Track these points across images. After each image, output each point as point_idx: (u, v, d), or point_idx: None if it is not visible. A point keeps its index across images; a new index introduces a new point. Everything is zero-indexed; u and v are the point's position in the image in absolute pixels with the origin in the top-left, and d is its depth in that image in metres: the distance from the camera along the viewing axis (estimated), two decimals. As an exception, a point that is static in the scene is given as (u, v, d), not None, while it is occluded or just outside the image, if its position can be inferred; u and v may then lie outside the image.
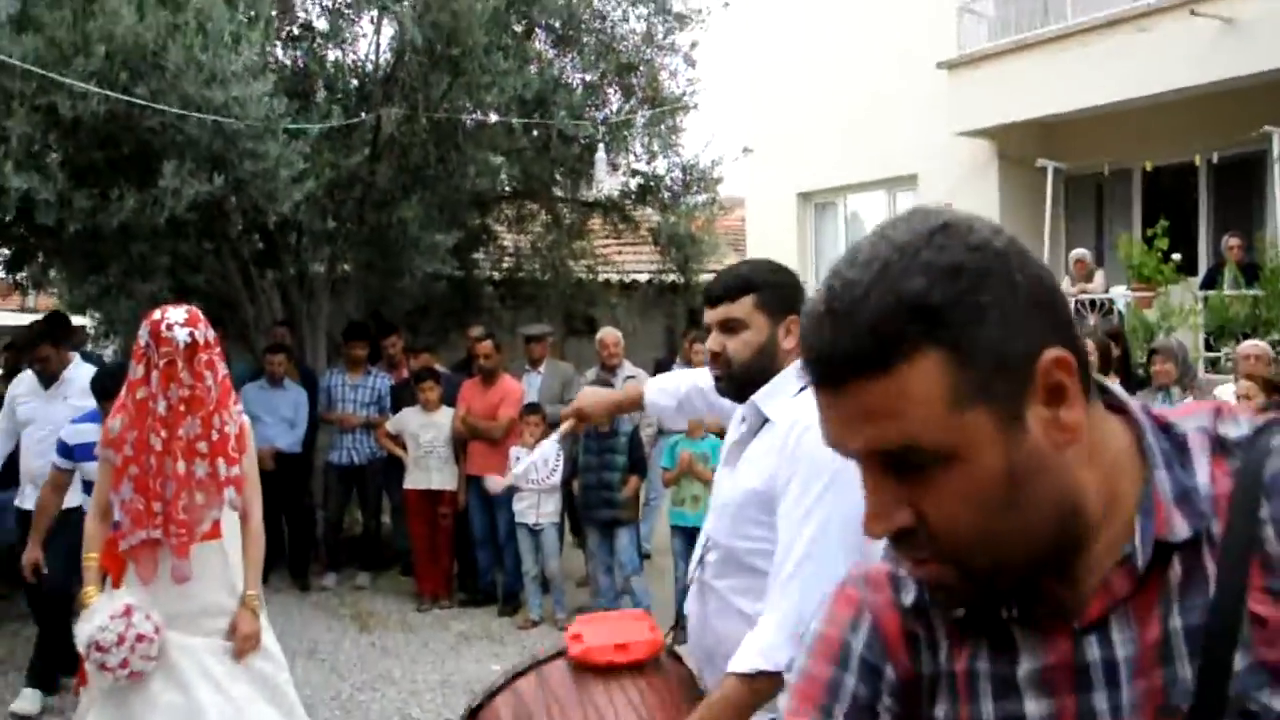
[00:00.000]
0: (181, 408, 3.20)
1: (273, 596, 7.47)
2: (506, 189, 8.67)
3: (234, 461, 3.35)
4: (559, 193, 9.26)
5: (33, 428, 5.39)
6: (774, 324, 2.08)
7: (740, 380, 2.10)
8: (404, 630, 6.77)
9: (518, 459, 6.81)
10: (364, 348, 7.70)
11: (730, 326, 2.10)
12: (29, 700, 5.19)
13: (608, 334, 7.65)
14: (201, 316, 3.32)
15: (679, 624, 2.26)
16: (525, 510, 6.84)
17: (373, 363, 7.90)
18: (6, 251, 7.73)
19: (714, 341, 2.12)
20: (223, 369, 3.39)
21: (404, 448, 7.32)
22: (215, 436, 3.27)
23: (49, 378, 5.34)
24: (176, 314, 3.25)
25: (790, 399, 2.03)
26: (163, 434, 3.18)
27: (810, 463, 1.90)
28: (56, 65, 5.05)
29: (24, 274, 8.09)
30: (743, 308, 2.09)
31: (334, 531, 7.94)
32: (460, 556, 7.44)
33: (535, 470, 6.74)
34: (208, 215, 5.86)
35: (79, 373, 5.36)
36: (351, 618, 7.03)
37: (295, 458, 7.64)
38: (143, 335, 3.22)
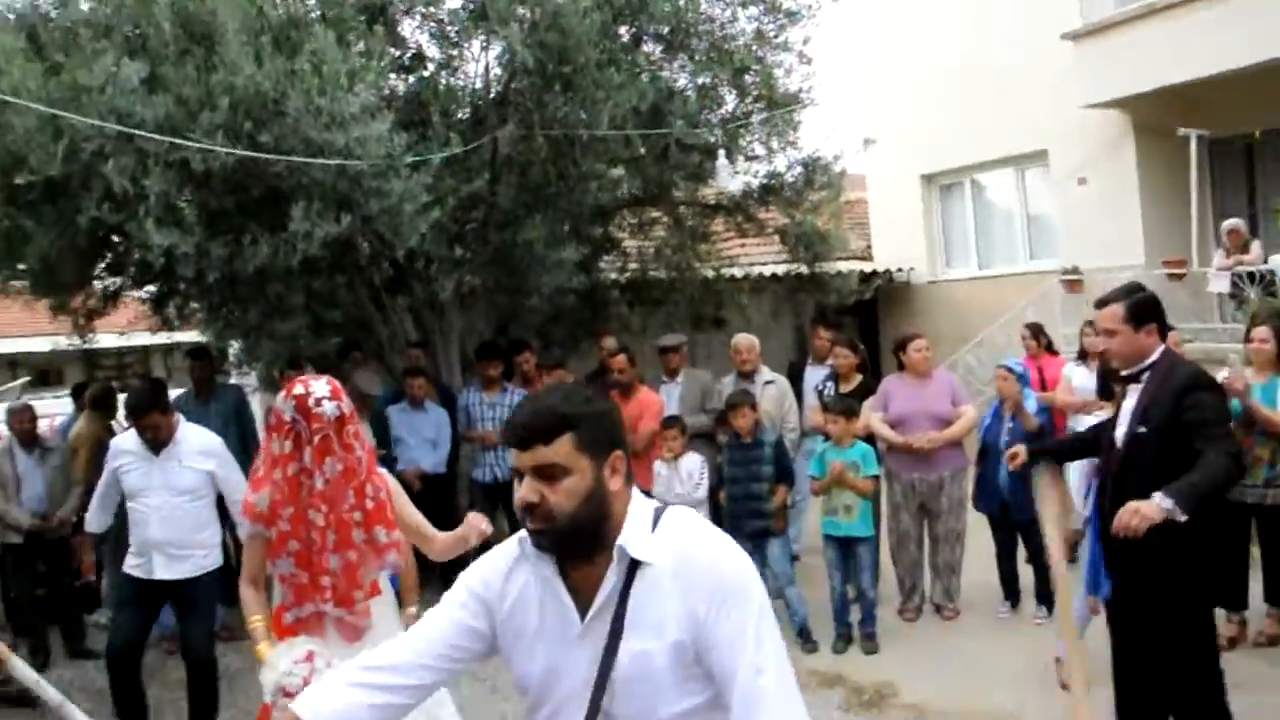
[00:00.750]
0: (337, 479, 3.21)
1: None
2: (627, 197, 8.58)
3: (392, 525, 3.37)
4: (680, 196, 9.13)
5: (146, 495, 5.13)
6: (597, 465, 1.86)
7: (566, 534, 1.84)
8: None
9: (659, 474, 6.76)
10: (497, 366, 7.74)
11: (547, 474, 1.83)
12: None
13: (741, 340, 7.49)
14: (340, 388, 3.31)
15: None
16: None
17: (507, 379, 7.96)
18: (152, 288, 8.06)
19: (529, 491, 1.84)
20: (364, 435, 3.41)
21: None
22: (370, 505, 3.29)
23: (159, 444, 5.12)
24: (320, 387, 3.23)
25: (651, 535, 1.89)
26: (323, 509, 3.19)
27: (738, 590, 1.85)
28: (185, 122, 5.20)
29: (169, 310, 8.44)
30: (560, 451, 1.83)
31: (483, 548, 7.99)
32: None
33: (680, 483, 6.68)
34: (337, 251, 5.96)
35: (187, 433, 5.20)
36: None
37: (440, 477, 7.76)
38: (287, 410, 3.20)
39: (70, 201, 5.52)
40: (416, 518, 3.57)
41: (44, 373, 21.77)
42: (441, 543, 3.57)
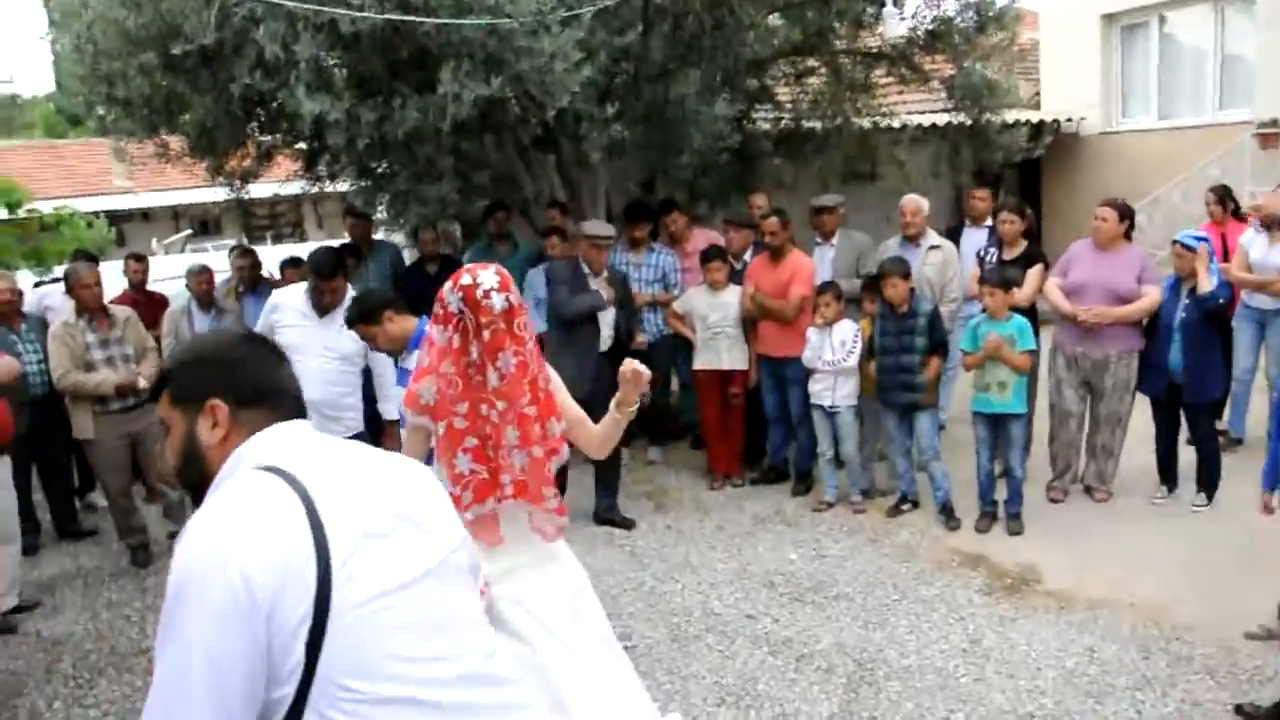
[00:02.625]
0: (512, 375, 3.06)
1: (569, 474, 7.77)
2: (785, 47, 8.13)
3: (560, 417, 3.22)
4: (839, 45, 8.61)
5: (304, 355, 5.19)
6: (189, 417, 1.79)
7: (188, 486, 1.84)
8: (698, 511, 6.83)
9: (810, 341, 6.60)
10: (645, 227, 7.58)
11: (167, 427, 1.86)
12: None
13: (908, 201, 7.11)
14: (509, 277, 3.12)
15: None
16: (821, 392, 6.63)
17: (653, 238, 7.80)
18: (303, 147, 8.13)
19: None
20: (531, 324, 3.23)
21: (692, 328, 7.23)
22: (542, 397, 3.14)
23: (328, 307, 5.30)
24: (488, 278, 3.04)
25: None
26: (499, 406, 3.04)
27: (172, 580, 1.53)
28: (335, -19, 5.07)
29: (320, 168, 8.52)
30: (162, 407, 1.84)
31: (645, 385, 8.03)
32: (751, 435, 7.37)
33: (831, 350, 6.51)
34: (486, 112, 5.81)
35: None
36: (647, 496, 7.17)
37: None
38: (453, 301, 3.03)
39: (224, 68, 5.51)
40: (576, 409, 3.39)
41: (204, 223, 22.67)
42: (601, 435, 3.39)
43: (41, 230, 10.92)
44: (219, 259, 8.83)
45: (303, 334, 5.34)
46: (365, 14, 5.04)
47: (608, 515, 6.61)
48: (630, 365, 3.22)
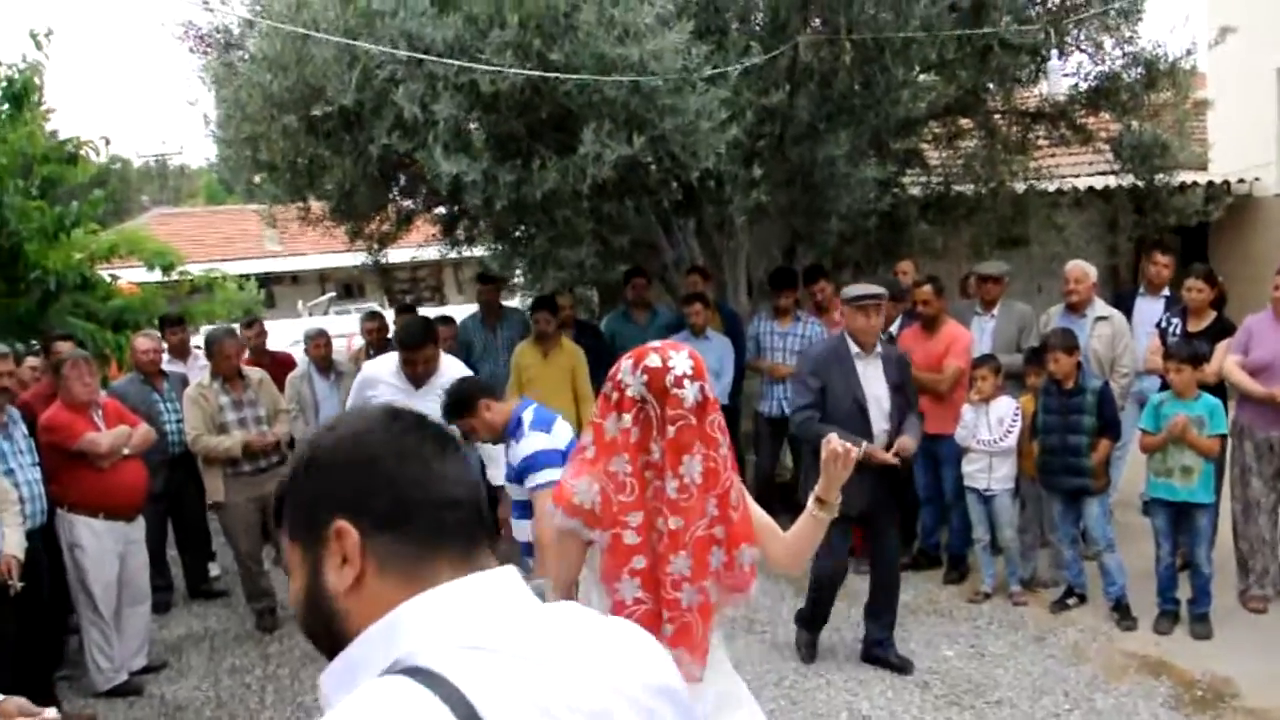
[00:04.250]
0: (697, 486, 2.46)
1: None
2: (937, 107, 7.76)
3: (755, 541, 2.62)
4: (994, 104, 8.18)
5: None
6: (311, 554, 1.17)
7: (320, 649, 1.20)
8: (844, 598, 6.33)
9: (965, 418, 6.13)
10: (791, 295, 7.26)
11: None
12: None
13: (1074, 268, 6.57)
14: (703, 364, 2.56)
15: None
16: (976, 474, 6.14)
17: (799, 305, 7.47)
18: (442, 211, 8.11)
19: None
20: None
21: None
22: (735, 516, 2.54)
23: (422, 378, 5.04)
24: (682, 361, 2.47)
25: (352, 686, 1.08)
26: (671, 523, 2.45)
27: None
28: (475, 41, 4.98)
29: (459, 232, 8.49)
30: (285, 545, 1.24)
31: (765, 482, 7.68)
32: (902, 515, 6.87)
33: (988, 429, 6.03)
34: (626, 174, 5.62)
35: (449, 368, 5.10)
36: (788, 580, 6.73)
37: (722, 408, 7.41)
38: (634, 385, 2.44)
39: (364, 130, 5.47)
40: (764, 517, 2.75)
41: (348, 286, 23.33)
42: (796, 544, 2.70)
43: (193, 292, 11.20)
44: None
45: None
46: (506, 71, 4.90)
47: (879, 653, 5.35)
48: (836, 444, 2.61)
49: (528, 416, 4.13)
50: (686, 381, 2.44)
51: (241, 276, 15.74)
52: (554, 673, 1.08)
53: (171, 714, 5.46)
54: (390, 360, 5.16)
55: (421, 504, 1.14)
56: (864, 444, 4.54)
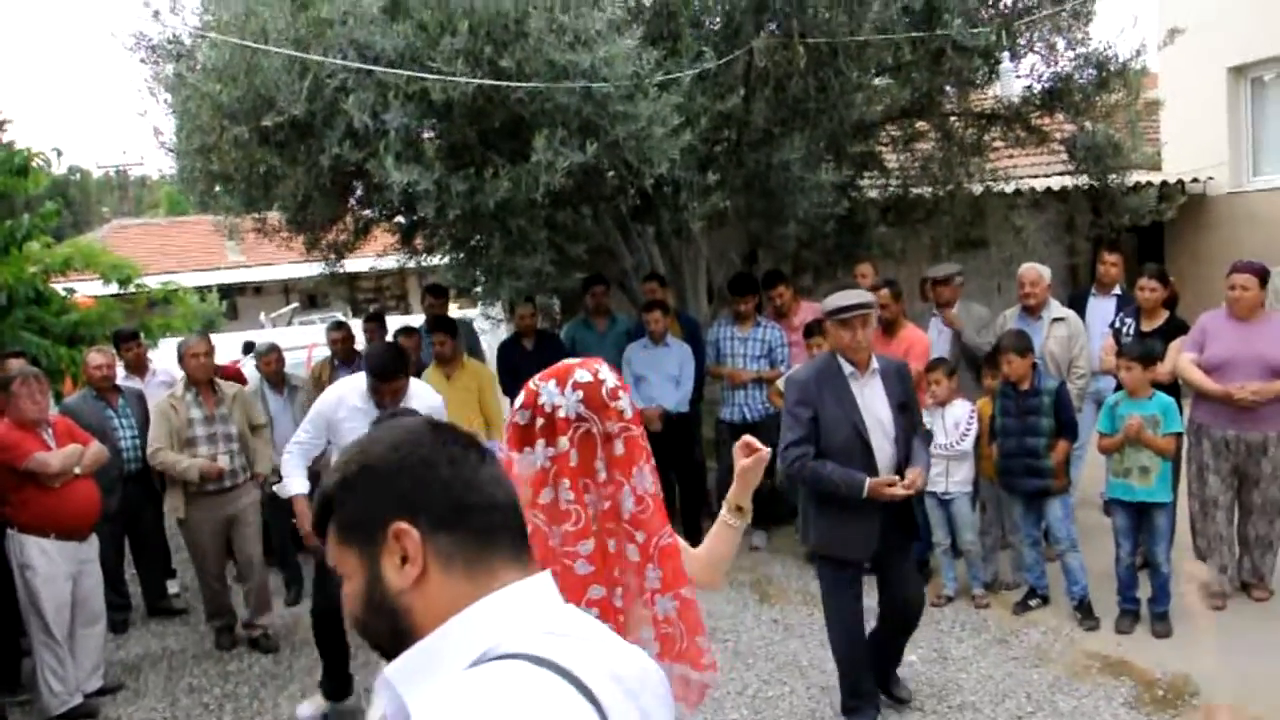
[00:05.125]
0: (650, 495, 2.38)
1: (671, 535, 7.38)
2: (893, 110, 7.79)
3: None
4: (950, 106, 8.22)
5: None
6: (368, 556, 1.24)
7: (380, 650, 1.29)
8: (806, 604, 6.36)
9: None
10: (751, 301, 7.26)
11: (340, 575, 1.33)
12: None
13: (1027, 270, 6.61)
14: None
15: None
16: (934, 477, 6.12)
17: (759, 310, 7.47)
18: (401, 220, 8.05)
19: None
20: None
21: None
22: (651, 506, 2.41)
23: (391, 406, 4.76)
24: (609, 373, 2.38)
25: (444, 679, 1.14)
26: (638, 537, 2.36)
27: None
28: (426, 50, 4.93)
29: (417, 241, 8.43)
30: (331, 547, 1.30)
31: (726, 488, 7.66)
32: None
33: (944, 433, 6.04)
34: (582, 181, 5.59)
35: (416, 391, 4.90)
36: (750, 586, 6.73)
37: (682, 416, 7.42)
38: (567, 404, 2.29)
39: (316, 140, 5.41)
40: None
41: (311, 297, 23.19)
42: (710, 556, 2.60)
43: (151, 305, 11.08)
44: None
45: (362, 431, 4.82)
46: (457, 79, 4.86)
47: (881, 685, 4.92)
48: (748, 444, 2.53)
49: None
50: (620, 392, 2.35)
51: (204, 288, 15.61)
52: (606, 649, 1.23)
53: (127, 736, 5.38)
54: (358, 382, 4.94)
55: (474, 506, 1.25)
56: (866, 480, 4.35)
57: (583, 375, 2.33)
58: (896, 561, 4.69)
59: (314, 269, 9.03)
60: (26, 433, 5.41)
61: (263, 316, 18.84)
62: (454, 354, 6.72)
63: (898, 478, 4.45)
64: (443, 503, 1.23)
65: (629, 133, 5.22)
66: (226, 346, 9.17)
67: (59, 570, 5.43)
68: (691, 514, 7.48)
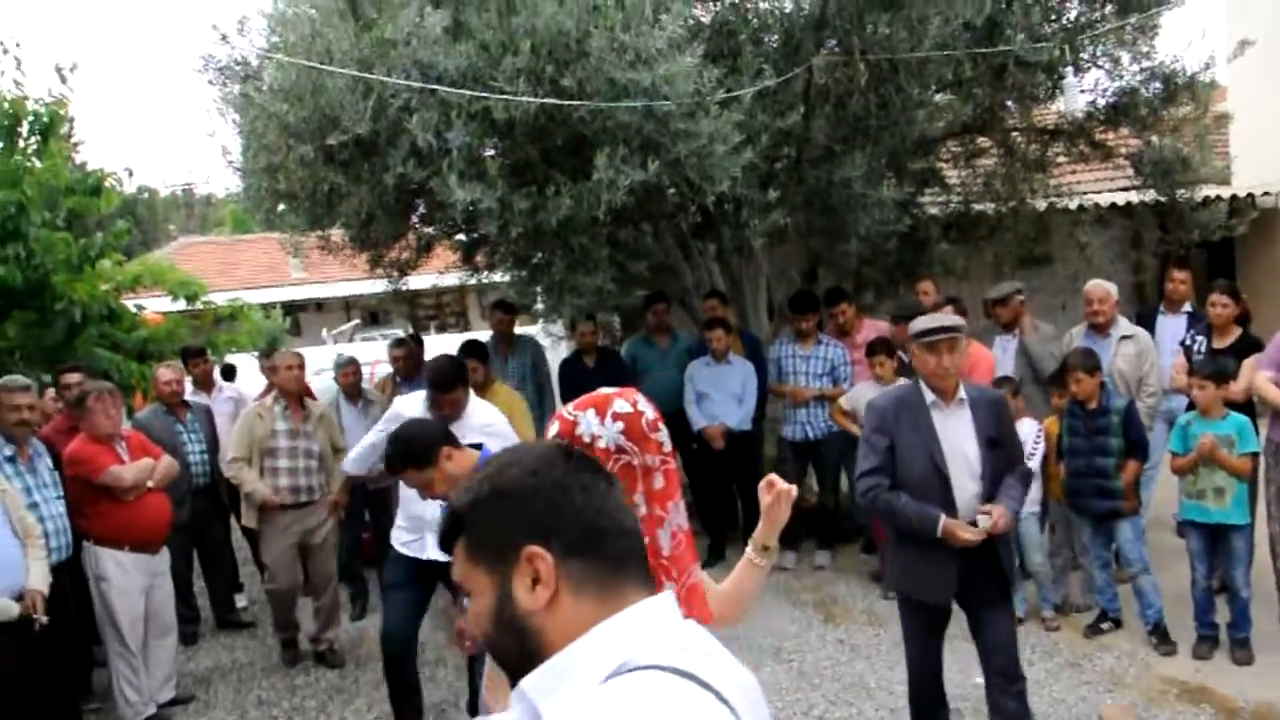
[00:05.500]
0: (684, 533, 2.35)
1: (700, 570, 7.33)
2: (954, 126, 7.71)
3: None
4: (1012, 122, 8.13)
5: None
6: (498, 575, 1.28)
7: (508, 670, 1.32)
8: (871, 624, 6.29)
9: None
10: (813, 319, 7.23)
11: (466, 591, 1.35)
12: None
13: (1095, 288, 6.48)
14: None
15: None
16: (1002, 494, 6.04)
17: (820, 328, 7.43)
18: (462, 238, 8.11)
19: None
20: None
21: (862, 425, 6.76)
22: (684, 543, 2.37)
23: (448, 420, 4.68)
24: (646, 403, 2.32)
25: (580, 692, 1.18)
26: (675, 576, 2.31)
27: None
28: (488, 69, 4.99)
29: (478, 259, 8.49)
30: (457, 565, 1.34)
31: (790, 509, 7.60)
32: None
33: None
34: (643, 199, 5.60)
35: (475, 407, 4.86)
36: (815, 605, 6.67)
37: (745, 434, 7.39)
38: (607, 435, 2.22)
39: (380, 159, 5.49)
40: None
41: (373, 314, 23.50)
42: (735, 594, 2.55)
43: (217, 322, 11.29)
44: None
45: None
46: (519, 99, 4.90)
47: None
48: (771, 482, 2.48)
49: None
50: (660, 424, 2.29)
51: (267, 305, 15.88)
52: (729, 662, 1.28)
53: (197, 748, 5.46)
54: (418, 399, 4.94)
55: (606, 531, 1.29)
56: (941, 518, 4.00)
57: (622, 405, 2.26)
58: (984, 609, 4.26)
59: (375, 286, 9.14)
60: (101, 446, 5.53)
61: (324, 333, 19.13)
62: (485, 380, 6.54)
63: (983, 518, 4.04)
64: (576, 528, 1.27)
65: (690, 150, 5.23)
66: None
67: (133, 582, 5.53)
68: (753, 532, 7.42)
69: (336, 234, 7.74)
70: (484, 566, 1.29)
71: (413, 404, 4.94)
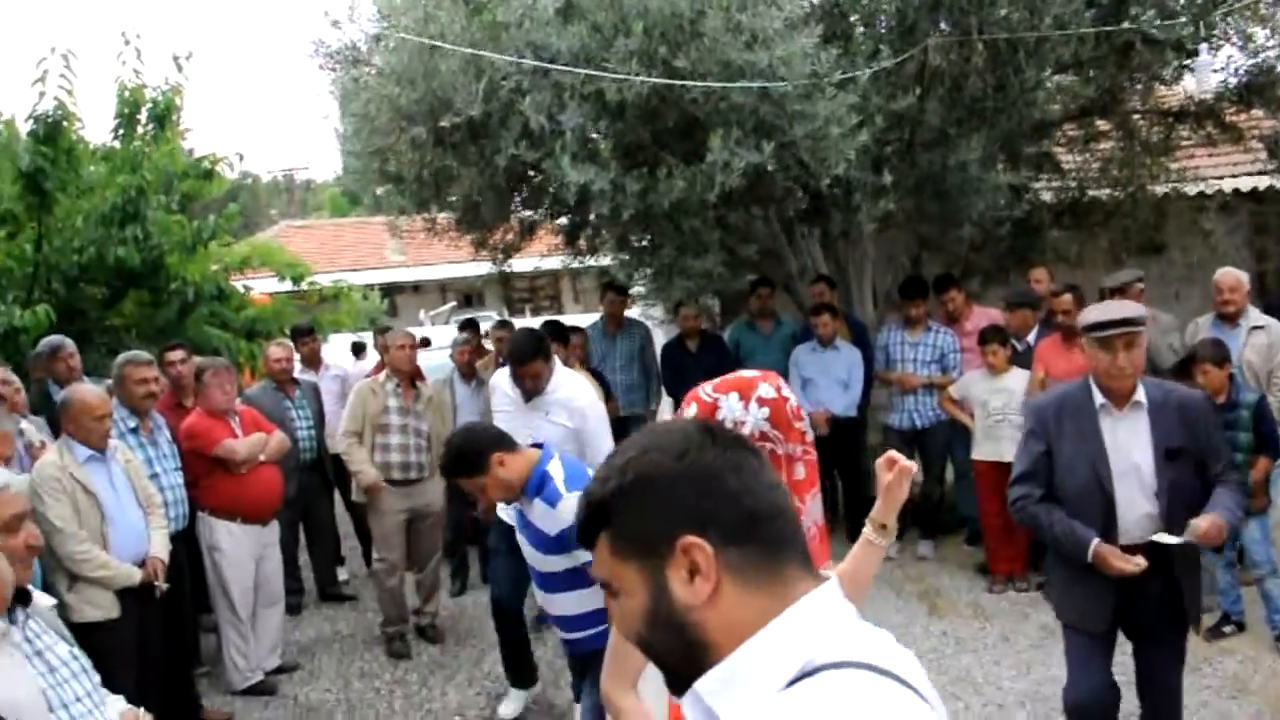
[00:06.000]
0: (820, 527, 2.35)
1: (833, 565, 7.24)
2: (1073, 109, 7.45)
3: None
4: (1134, 104, 7.82)
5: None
6: (650, 569, 1.17)
7: (666, 671, 1.23)
8: (977, 617, 6.14)
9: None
10: (923, 305, 7.08)
11: (609, 590, 1.24)
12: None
13: (1225, 276, 6.20)
14: None
15: None
16: (1118, 490, 5.84)
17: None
18: (564, 221, 8.12)
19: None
20: None
21: (971, 414, 6.62)
22: (818, 536, 2.40)
23: (531, 393, 4.88)
24: (788, 390, 2.25)
25: (764, 697, 1.10)
26: None
27: None
28: (600, 51, 4.97)
29: (581, 242, 8.49)
30: (601, 561, 1.22)
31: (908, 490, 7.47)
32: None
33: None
34: (754, 182, 5.51)
35: (561, 383, 4.87)
36: (919, 597, 6.54)
37: (850, 421, 7.28)
38: (751, 420, 2.14)
39: (491, 141, 5.50)
40: None
41: (468, 296, 23.79)
42: (854, 574, 2.41)
43: (320, 302, 11.50)
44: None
45: (508, 419, 4.79)
46: (633, 79, 4.86)
47: None
48: (891, 459, 2.34)
49: (556, 471, 3.41)
50: (802, 412, 2.21)
51: (365, 286, 16.15)
52: (906, 653, 1.19)
53: (305, 715, 5.57)
54: (506, 372, 5.06)
55: (763, 515, 1.17)
56: (1094, 542, 3.48)
57: (767, 390, 2.19)
58: (1149, 645, 3.78)
59: (470, 269, 9.23)
60: (216, 421, 5.67)
61: (422, 314, 19.39)
62: (565, 363, 6.42)
63: (1166, 538, 3.48)
64: (732, 514, 1.16)
65: (805, 133, 5.13)
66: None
67: (244, 552, 5.67)
68: (855, 520, 7.30)
69: (442, 218, 7.81)
70: (634, 561, 1.18)
71: (503, 377, 5.03)
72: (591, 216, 6.27)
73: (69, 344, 6.18)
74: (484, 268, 9.02)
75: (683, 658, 1.17)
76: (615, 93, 5.06)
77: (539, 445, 3.66)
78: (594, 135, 5.31)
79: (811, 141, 5.14)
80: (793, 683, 1.09)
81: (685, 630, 1.16)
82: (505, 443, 3.51)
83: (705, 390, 2.22)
